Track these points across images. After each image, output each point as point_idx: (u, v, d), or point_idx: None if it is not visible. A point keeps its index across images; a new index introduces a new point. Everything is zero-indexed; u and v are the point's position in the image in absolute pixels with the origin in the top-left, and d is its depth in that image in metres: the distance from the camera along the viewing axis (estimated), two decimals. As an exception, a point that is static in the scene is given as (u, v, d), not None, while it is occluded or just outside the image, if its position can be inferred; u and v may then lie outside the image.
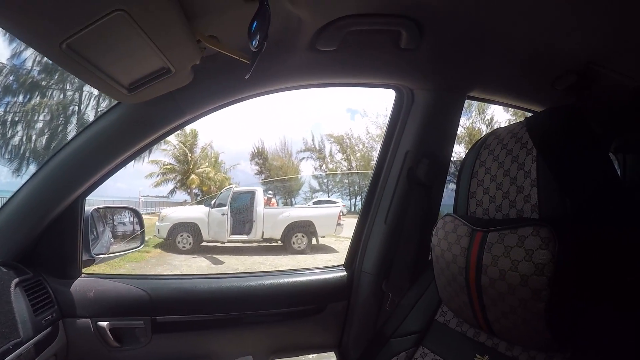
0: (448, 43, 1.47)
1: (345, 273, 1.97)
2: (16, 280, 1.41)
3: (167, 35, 0.99)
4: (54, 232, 1.59)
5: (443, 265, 1.18)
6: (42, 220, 1.54)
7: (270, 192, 20.41)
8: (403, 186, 1.81)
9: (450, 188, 1.83)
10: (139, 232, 2.21)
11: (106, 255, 1.88)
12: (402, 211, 1.81)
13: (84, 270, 1.71)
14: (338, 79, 1.68)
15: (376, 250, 1.88)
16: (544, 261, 0.91)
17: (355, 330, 1.91)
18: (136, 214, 2.36)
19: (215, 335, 1.79)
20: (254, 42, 1.04)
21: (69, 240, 1.63)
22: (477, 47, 1.49)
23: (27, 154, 17.08)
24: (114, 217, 3.08)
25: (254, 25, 1.03)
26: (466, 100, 1.81)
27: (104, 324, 1.62)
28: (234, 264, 11.26)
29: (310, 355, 1.91)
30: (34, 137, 17.40)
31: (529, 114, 1.45)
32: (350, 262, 2.00)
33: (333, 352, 1.94)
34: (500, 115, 23.01)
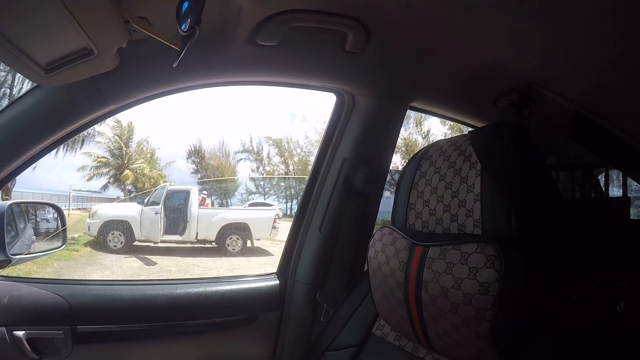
0: (394, 50, 1.46)
1: (278, 282, 1.92)
2: None
3: (89, 11, 0.88)
4: None
5: (380, 279, 1.15)
6: None
7: (205, 192, 20.10)
8: (339, 194, 1.78)
9: (385, 196, 1.84)
10: (60, 230, 2.09)
11: (25, 256, 1.74)
12: (337, 219, 1.78)
13: (-3, 272, 1.58)
14: (278, 77, 1.63)
15: (310, 258, 1.84)
16: (489, 280, 0.90)
17: (290, 341, 1.87)
18: (58, 210, 2.23)
19: (141, 346, 1.70)
20: (183, 26, 0.97)
21: None
22: (423, 57, 1.48)
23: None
24: (37, 213, 2.92)
25: (185, 5, 0.97)
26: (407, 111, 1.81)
27: (20, 333, 1.49)
28: (166, 264, 10.98)
29: (243, 368, 1.85)
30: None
31: (468, 129, 1.47)
32: (284, 270, 1.95)
33: None
34: (437, 129, 23.72)
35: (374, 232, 1.25)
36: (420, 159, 1.22)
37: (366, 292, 1.37)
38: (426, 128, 21.25)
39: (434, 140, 1.31)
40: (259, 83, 1.66)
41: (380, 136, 1.78)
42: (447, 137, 1.25)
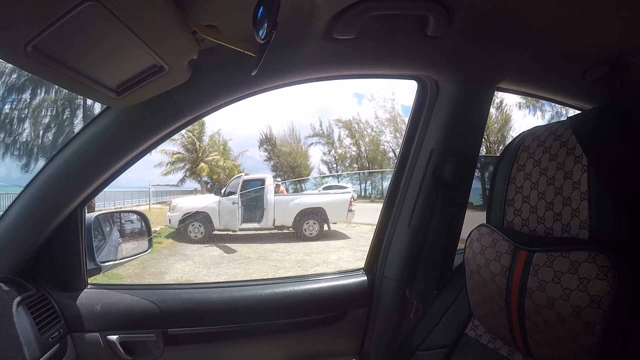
0: (478, 30, 1.35)
1: (365, 278, 1.87)
2: (18, 298, 1.33)
3: (154, 28, 0.84)
4: (55, 243, 1.51)
5: (479, 282, 1.06)
6: (41, 232, 1.46)
7: (279, 179, 20.43)
8: (428, 186, 1.70)
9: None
10: (147, 237, 2.13)
11: (113, 263, 1.80)
12: (427, 213, 1.70)
13: (89, 280, 1.64)
14: (356, 70, 1.56)
15: (399, 254, 1.78)
16: (600, 293, 0.80)
17: (377, 337, 1.83)
18: (143, 217, 2.28)
19: (230, 346, 1.72)
20: (260, 33, 0.92)
21: (72, 251, 1.55)
22: (507, 34, 1.37)
23: (34, 150, 17.18)
24: (122, 217, 3.01)
25: (260, 11, 0.91)
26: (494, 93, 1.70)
27: (114, 337, 1.56)
28: (246, 252, 11.24)
29: (331, 364, 1.83)
30: (41, 133, 17.49)
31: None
32: (371, 266, 1.91)
33: None
34: (510, 98, 22.89)
35: (471, 231, 1.16)
36: (516, 149, 1.11)
37: (459, 290, 1.30)
38: (499, 98, 20.67)
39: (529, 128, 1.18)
40: (337, 77, 1.59)
41: (467, 123, 1.68)
42: (543, 124, 1.12)
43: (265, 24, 0.91)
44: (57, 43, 0.79)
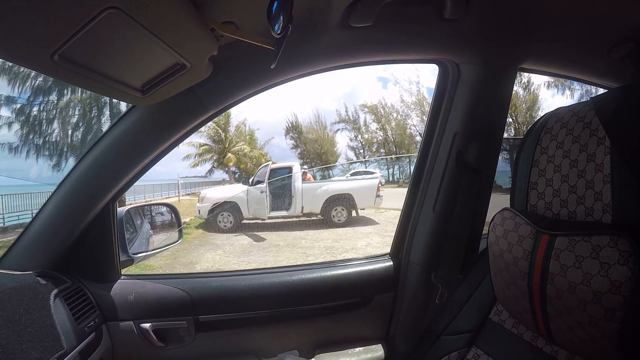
0: (497, 10, 1.33)
1: (391, 263, 1.89)
2: (55, 291, 1.39)
3: (173, 29, 0.87)
4: (88, 237, 1.57)
5: (502, 266, 1.07)
6: (75, 227, 1.51)
7: (306, 166, 20.42)
8: (452, 171, 1.69)
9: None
10: (177, 228, 2.18)
11: (145, 254, 1.85)
12: (451, 198, 1.69)
13: (122, 271, 1.70)
14: (375, 56, 1.55)
15: (424, 239, 1.78)
16: (621, 278, 0.80)
17: (404, 322, 1.84)
18: (173, 209, 2.33)
19: (259, 331, 1.76)
20: (276, 27, 0.93)
21: (105, 244, 1.61)
22: (528, 13, 1.35)
23: (64, 149, 17.54)
24: (152, 209, 3.07)
25: (275, 6, 0.93)
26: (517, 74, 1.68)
27: (147, 325, 1.62)
28: (275, 239, 11.34)
29: (357, 349, 1.84)
30: (70, 132, 17.85)
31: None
32: (397, 251, 1.92)
33: (380, 345, 1.87)
34: (537, 77, 22.40)
35: (494, 215, 1.15)
36: (539, 132, 1.09)
37: (483, 274, 1.30)
38: (526, 78, 20.26)
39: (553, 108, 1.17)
40: (356, 65, 1.59)
41: (490, 105, 1.65)
42: (566, 105, 1.10)
43: (281, 18, 0.92)
44: (82, 50, 0.82)
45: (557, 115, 1.06)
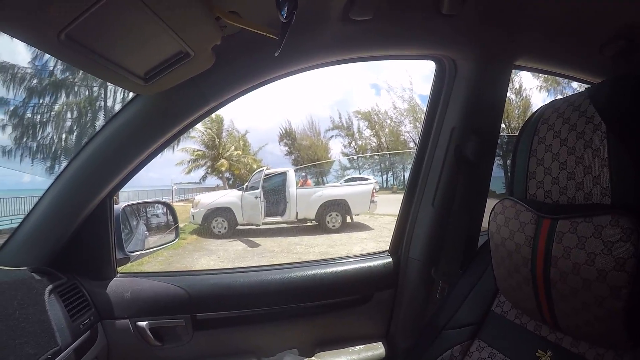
0: (493, 6, 1.36)
1: (390, 260, 1.88)
2: (50, 286, 1.37)
3: (181, 15, 0.88)
4: (85, 233, 1.55)
5: (504, 254, 1.07)
6: (71, 222, 1.49)
7: (304, 173, 20.41)
8: (450, 165, 1.70)
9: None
10: (173, 226, 2.16)
11: (141, 252, 1.84)
12: (450, 192, 1.70)
13: (119, 269, 1.68)
14: (374, 51, 1.58)
15: (424, 234, 1.78)
16: (625, 255, 0.81)
17: (404, 319, 1.83)
18: (169, 207, 2.32)
19: (258, 330, 1.74)
20: (283, 12, 0.94)
21: (102, 240, 1.59)
22: (521, 11, 1.39)
23: (58, 153, 17.49)
24: (147, 211, 3.06)
25: None
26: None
27: (143, 324, 1.60)
28: (270, 245, 11.32)
29: (357, 347, 1.83)
30: (64, 136, 17.81)
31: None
32: (396, 248, 1.91)
33: (380, 343, 1.86)
34: (529, 82, 22.63)
35: (494, 204, 1.16)
36: (536, 122, 1.10)
37: (483, 266, 1.31)
38: (517, 84, 20.41)
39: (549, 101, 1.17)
40: (355, 60, 1.61)
41: (486, 101, 1.67)
42: (561, 98, 1.10)
43: (287, 5, 0.93)
44: (89, 31, 0.82)
45: (554, 106, 1.07)
